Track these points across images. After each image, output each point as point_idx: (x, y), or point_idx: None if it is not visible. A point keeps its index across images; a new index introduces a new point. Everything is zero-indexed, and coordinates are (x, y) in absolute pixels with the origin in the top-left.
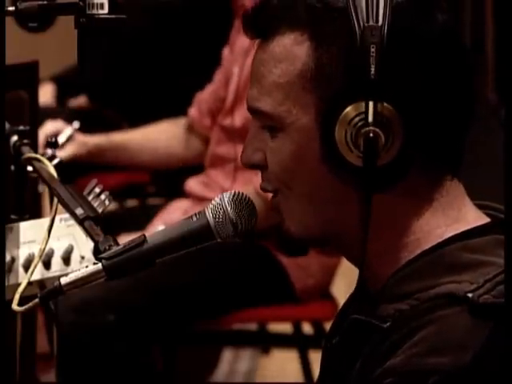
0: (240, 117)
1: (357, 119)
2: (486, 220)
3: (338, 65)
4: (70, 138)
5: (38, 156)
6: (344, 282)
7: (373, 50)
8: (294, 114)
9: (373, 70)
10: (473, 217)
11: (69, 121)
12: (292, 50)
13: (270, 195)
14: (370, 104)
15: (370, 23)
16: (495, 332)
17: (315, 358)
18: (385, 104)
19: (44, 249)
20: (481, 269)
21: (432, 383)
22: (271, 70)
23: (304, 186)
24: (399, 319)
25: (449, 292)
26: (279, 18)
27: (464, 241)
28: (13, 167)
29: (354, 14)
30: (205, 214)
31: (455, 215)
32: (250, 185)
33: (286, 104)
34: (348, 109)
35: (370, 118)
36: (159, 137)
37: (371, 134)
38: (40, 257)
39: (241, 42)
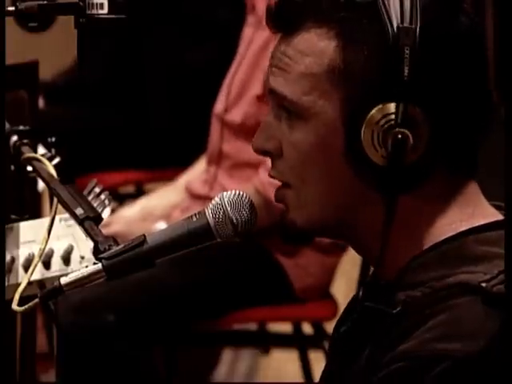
0: (239, 111)
1: (385, 119)
2: (500, 217)
3: (368, 64)
4: None
5: (38, 156)
6: (344, 281)
7: (407, 51)
8: (320, 106)
9: (406, 71)
10: (488, 213)
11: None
12: (318, 45)
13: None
14: (401, 105)
15: (404, 24)
16: (507, 321)
17: (315, 357)
18: (414, 106)
19: (44, 249)
20: (495, 261)
21: (444, 368)
22: (297, 61)
23: (321, 181)
24: (410, 305)
25: (463, 282)
26: (305, 14)
27: (478, 234)
28: (13, 167)
29: (385, 14)
30: (205, 213)
31: (471, 211)
32: (249, 183)
33: (312, 94)
34: (376, 108)
35: (400, 120)
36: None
37: (400, 136)
38: (40, 257)
39: (245, 34)
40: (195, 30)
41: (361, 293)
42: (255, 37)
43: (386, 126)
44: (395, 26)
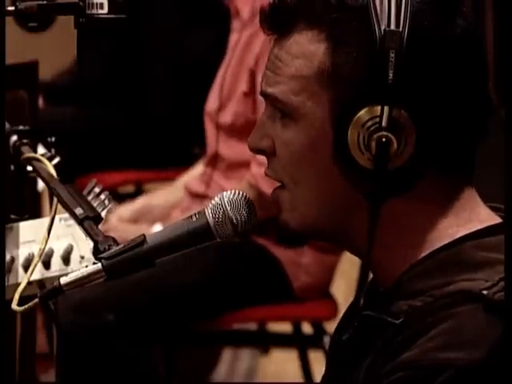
0: (229, 112)
1: (370, 122)
2: (498, 220)
3: (356, 66)
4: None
5: (38, 156)
6: (344, 281)
7: (392, 55)
8: (309, 107)
9: (391, 75)
10: (485, 217)
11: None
12: (309, 47)
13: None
14: (386, 109)
15: (391, 27)
16: (508, 329)
17: (315, 357)
18: (400, 110)
19: (44, 249)
20: (495, 267)
21: (446, 378)
22: (288, 64)
23: (312, 181)
24: (412, 315)
25: (464, 289)
26: (297, 16)
27: (477, 239)
28: (12, 167)
29: (374, 17)
30: (204, 213)
31: (467, 216)
32: (244, 180)
33: (302, 95)
34: (362, 111)
35: (384, 123)
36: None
37: (384, 139)
38: (40, 257)
39: (231, 39)
40: (196, 16)
41: (361, 300)
42: (238, 38)
43: (371, 128)
44: (382, 29)
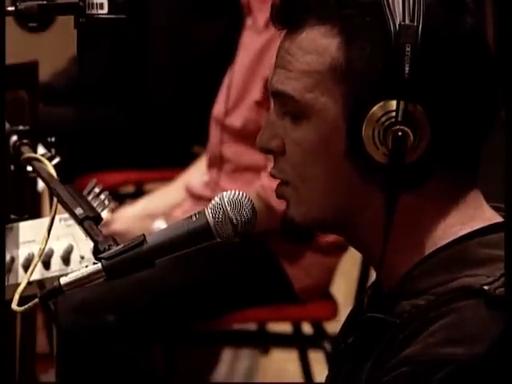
0: (239, 116)
1: (385, 117)
2: (499, 219)
3: (370, 61)
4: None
5: (38, 156)
6: (344, 282)
7: (408, 49)
8: (322, 103)
9: (407, 69)
10: (488, 216)
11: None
12: (321, 43)
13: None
14: (401, 103)
15: (406, 22)
16: (510, 324)
17: (315, 358)
18: (415, 104)
19: (44, 249)
20: (497, 263)
21: (448, 373)
22: (299, 59)
23: (322, 179)
24: (415, 314)
25: (466, 285)
26: (309, 10)
27: (479, 237)
28: (13, 167)
29: (388, 12)
30: (204, 213)
31: (471, 214)
32: (251, 187)
33: (315, 91)
34: (377, 106)
35: (401, 117)
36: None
37: (400, 133)
38: (40, 257)
39: (244, 37)
40: (205, 5)
41: (365, 303)
42: (252, 41)
43: (386, 123)
44: (397, 23)
